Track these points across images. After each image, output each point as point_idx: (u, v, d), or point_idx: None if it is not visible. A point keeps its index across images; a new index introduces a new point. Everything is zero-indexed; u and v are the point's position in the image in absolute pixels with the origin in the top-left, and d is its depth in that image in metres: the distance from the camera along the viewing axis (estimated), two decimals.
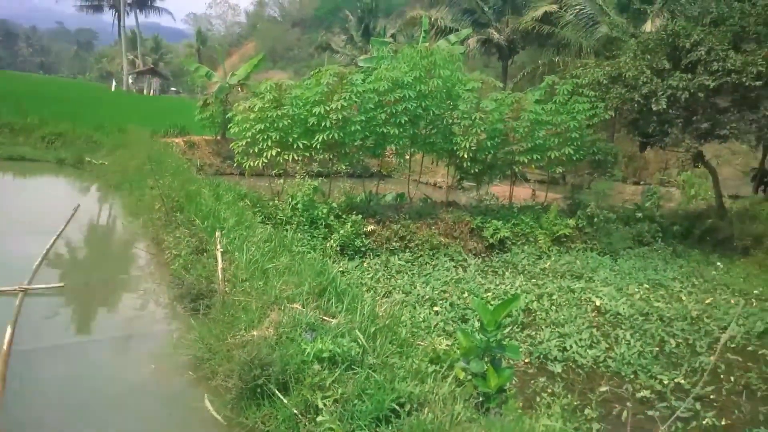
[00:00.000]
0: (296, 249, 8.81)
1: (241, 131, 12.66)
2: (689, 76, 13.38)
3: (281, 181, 13.57)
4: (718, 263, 13.52)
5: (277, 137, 12.36)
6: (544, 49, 31.52)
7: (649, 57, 14.28)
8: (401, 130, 13.04)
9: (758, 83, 12.76)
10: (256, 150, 12.54)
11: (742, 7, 13.57)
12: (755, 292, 11.43)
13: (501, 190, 17.78)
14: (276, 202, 12.45)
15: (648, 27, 19.65)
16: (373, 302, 6.59)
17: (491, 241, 13.15)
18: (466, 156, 13.56)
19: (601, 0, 26.17)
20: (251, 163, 12.66)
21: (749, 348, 8.67)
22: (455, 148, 13.76)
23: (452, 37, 26.15)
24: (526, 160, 14.53)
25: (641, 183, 27.59)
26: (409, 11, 41.34)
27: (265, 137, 12.32)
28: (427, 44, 22.38)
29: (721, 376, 7.67)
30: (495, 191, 17.71)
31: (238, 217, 9.66)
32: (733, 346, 8.68)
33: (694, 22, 14.57)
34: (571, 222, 14.12)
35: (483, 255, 12.92)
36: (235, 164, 13.97)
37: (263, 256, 7.56)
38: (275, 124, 12.27)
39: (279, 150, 12.45)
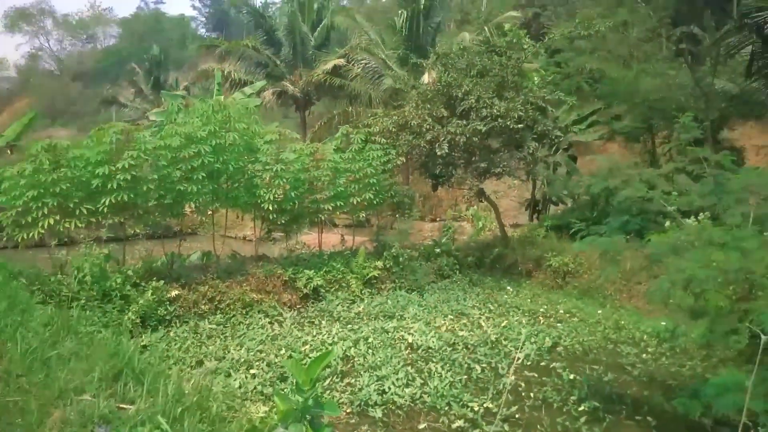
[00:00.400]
0: (84, 329, 7.80)
1: (10, 199, 11.08)
2: (464, 122, 14.96)
3: (65, 251, 12.08)
4: (508, 287, 15.03)
5: (55, 203, 11.04)
6: (338, 99, 33.07)
7: (429, 106, 15.69)
8: (200, 186, 12.51)
9: (520, 126, 14.71)
10: (30, 219, 11.04)
11: (501, 60, 15.65)
12: (541, 310, 12.88)
13: (311, 239, 17.92)
14: (59, 276, 11.00)
15: (426, 78, 21.65)
16: (180, 377, 6.04)
17: (305, 291, 13.07)
18: (271, 208, 13.44)
19: (383, 55, 28.35)
20: (25, 235, 11.09)
21: (542, 363, 9.64)
22: (259, 200, 13.57)
23: (247, 89, 26.16)
24: (330, 207, 14.86)
25: (438, 219, 29.92)
26: (202, 64, 40.52)
27: (40, 204, 10.93)
28: (222, 97, 22.02)
29: (522, 394, 8.38)
30: (305, 240, 17.79)
31: (9, 300, 8.28)
32: (528, 363, 9.58)
33: (464, 74, 16.37)
34: (379, 263, 14.66)
35: (298, 306, 12.77)
36: (5, 237, 12.12)
37: (43, 343, 6.53)
38: (52, 189, 10.95)
39: (59, 217, 11.11)
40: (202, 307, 11.70)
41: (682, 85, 19.47)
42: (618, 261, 7.50)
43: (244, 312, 11.85)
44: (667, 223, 6.91)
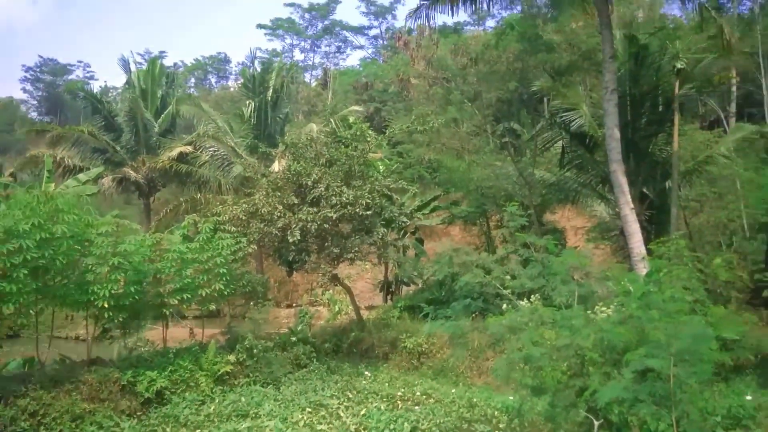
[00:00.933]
0: None
1: None
2: (315, 209, 15.20)
3: None
4: (366, 372, 14.94)
5: None
6: (186, 186, 31.99)
7: (279, 194, 15.77)
8: (21, 285, 11.14)
9: (368, 212, 15.27)
10: None
11: (347, 151, 16.33)
12: (398, 393, 12.90)
13: (155, 334, 16.55)
14: None
15: (276, 167, 21.89)
16: None
17: (147, 395, 11.90)
18: (107, 305, 12.29)
19: (233, 142, 28.28)
20: None
21: None
22: (93, 297, 12.36)
23: (82, 176, 24.39)
24: (176, 301, 13.98)
25: (294, 305, 29.41)
26: (32, 149, 37.27)
27: None
28: (52, 184, 20.24)
29: None
30: (148, 336, 16.38)
31: None
32: None
33: (313, 163, 16.80)
34: (232, 357, 13.89)
35: (139, 414, 11.54)
36: None
37: None
38: None
39: None
40: (22, 424, 10.13)
41: (508, 174, 21.66)
42: (465, 342, 7.86)
43: (73, 426, 10.45)
44: (504, 306, 7.47)
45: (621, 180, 14.33)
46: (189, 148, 29.48)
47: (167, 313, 15.16)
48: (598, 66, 16.35)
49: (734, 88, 28.11)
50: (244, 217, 15.92)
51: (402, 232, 23.41)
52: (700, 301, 10.32)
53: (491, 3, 16.68)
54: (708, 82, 17.72)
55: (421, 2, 15.42)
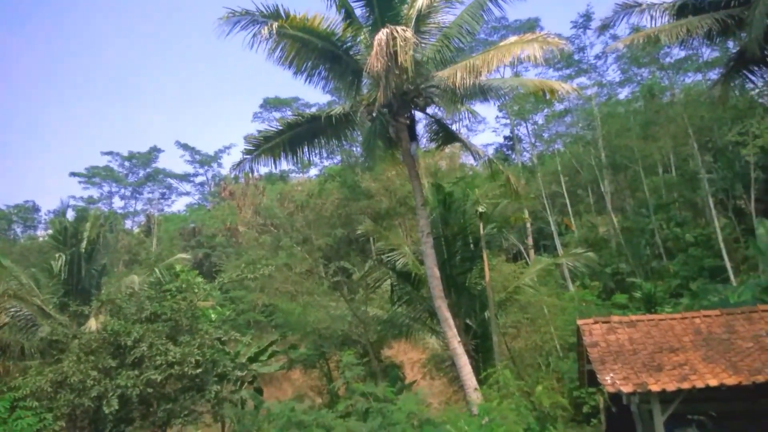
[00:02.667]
0: None
1: None
2: (137, 371, 13.87)
3: None
4: None
5: None
6: None
7: (93, 357, 14.22)
8: None
9: (199, 370, 14.29)
10: None
11: (172, 304, 15.48)
12: None
13: None
14: None
15: (92, 325, 19.84)
16: None
17: None
18: None
19: (39, 300, 25.22)
20: None
21: None
22: None
23: None
24: None
25: None
26: None
27: None
28: None
29: None
30: None
31: None
32: None
33: (134, 319, 15.58)
34: None
35: None
36: None
37: None
38: None
39: None
40: None
41: (343, 315, 22.00)
42: None
43: None
44: None
45: (446, 314, 15.24)
46: None
47: None
48: (414, 210, 17.92)
49: (529, 225, 32.44)
50: (50, 389, 13.98)
51: (239, 382, 22.08)
52: (532, 429, 10.95)
53: (311, 154, 17.77)
54: (506, 222, 20.23)
55: (244, 156, 15.97)
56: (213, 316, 23.52)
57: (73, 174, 60.50)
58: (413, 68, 13.90)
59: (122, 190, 63.39)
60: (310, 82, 15.89)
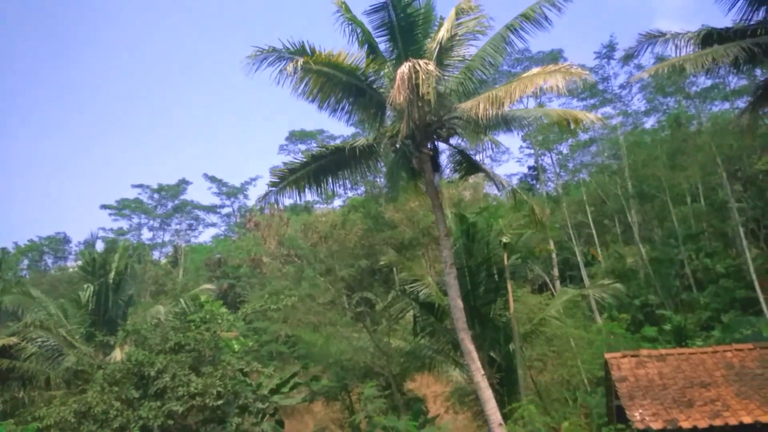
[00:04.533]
0: None
1: None
2: (159, 403, 13.88)
3: None
4: None
5: None
6: (7, 383, 27.71)
7: (117, 388, 14.29)
8: None
9: (220, 401, 14.23)
10: None
11: (195, 336, 15.53)
12: None
13: None
14: None
15: (117, 355, 20.01)
16: None
17: None
18: None
19: (65, 331, 25.59)
20: None
21: None
22: None
23: None
24: None
25: None
26: None
27: None
28: None
29: None
30: None
31: None
32: None
33: (157, 349, 15.65)
34: None
35: None
36: None
37: None
38: None
39: None
40: None
41: (365, 346, 21.81)
42: None
43: None
44: None
45: (469, 347, 14.99)
46: (13, 340, 26.06)
47: None
48: (437, 240, 17.85)
49: (554, 255, 32.01)
50: (73, 419, 14.04)
51: (260, 414, 21.94)
52: None
53: (335, 186, 17.91)
54: (531, 253, 20.01)
55: (269, 188, 16.16)
56: (236, 347, 23.52)
57: (103, 206, 61.84)
58: (436, 100, 14.02)
59: (151, 222, 64.50)
60: (334, 116, 16.11)
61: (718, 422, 9.03)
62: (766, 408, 9.18)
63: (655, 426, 9.15)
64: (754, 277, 24.52)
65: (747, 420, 8.96)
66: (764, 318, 21.20)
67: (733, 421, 8.99)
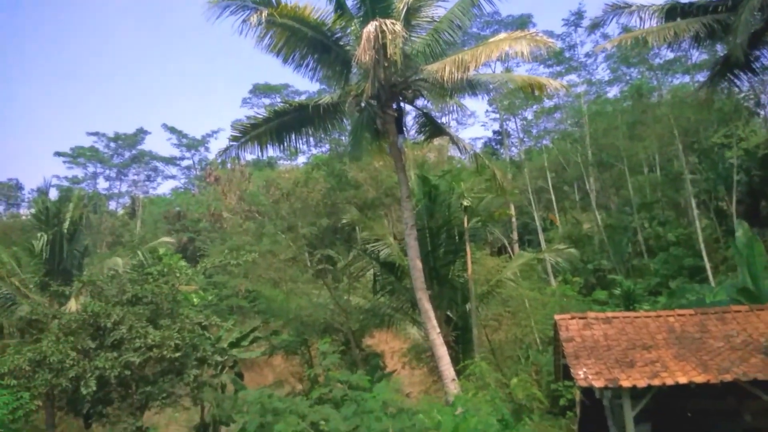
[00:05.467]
0: None
1: None
2: (115, 354, 13.88)
3: None
4: None
5: None
6: None
7: (73, 338, 14.20)
8: None
9: (178, 354, 14.32)
10: None
11: (153, 288, 15.44)
12: None
13: None
14: None
15: (72, 306, 19.77)
16: None
17: None
18: None
19: (17, 281, 25.04)
20: None
21: None
22: None
23: None
24: None
25: None
26: None
27: None
28: None
29: None
30: None
31: None
32: None
33: (114, 301, 15.54)
34: None
35: None
36: None
37: None
38: None
39: None
40: None
41: (325, 303, 22.08)
42: None
43: None
44: None
45: (426, 306, 15.37)
46: None
47: None
48: (400, 201, 18.01)
49: (514, 219, 32.70)
50: (28, 368, 13.93)
51: (220, 367, 22.15)
52: (506, 421, 11.13)
53: (299, 143, 17.74)
54: (491, 217, 20.39)
55: (230, 142, 15.91)
56: (195, 300, 23.51)
57: (57, 153, 59.73)
58: (402, 61, 13.90)
59: (107, 171, 62.73)
60: (299, 71, 15.82)
61: (656, 382, 9.55)
62: (700, 369, 9.75)
63: (597, 384, 9.64)
64: (702, 246, 25.60)
65: (683, 380, 9.50)
66: (709, 286, 22.24)
67: (669, 381, 9.52)
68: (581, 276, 27.75)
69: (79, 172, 61.27)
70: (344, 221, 22.49)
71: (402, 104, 16.20)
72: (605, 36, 32.25)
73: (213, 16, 14.00)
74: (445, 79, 13.43)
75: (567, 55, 37.82)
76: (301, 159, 47.25)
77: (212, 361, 16.44)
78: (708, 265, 25.09)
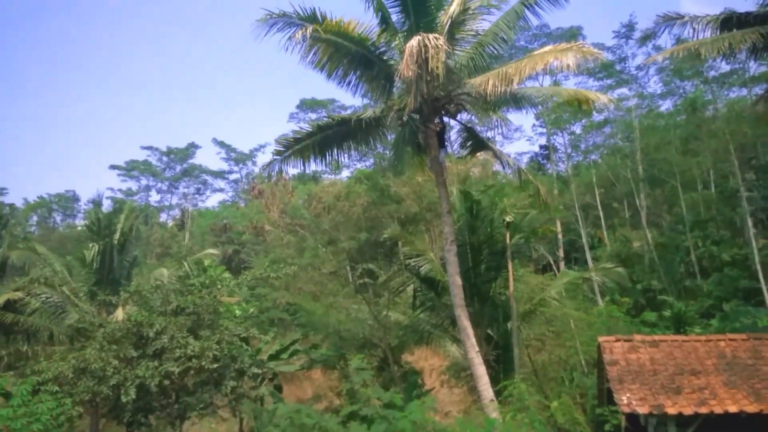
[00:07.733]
0: None
1: None
2: (156, 363, 14.08)
3: None
4: None
5: None
6: (11, 336, 28.25)
7: (116, 347, 14.50)
8: None
9: (216, 365, 14.43)
10: None
11: (195, 299, 15.66)
12: None
13: None
14: None
15: (119, 315, 20.30)
16: None
17: None
18: None
19: (68, 289, 25.89)
20: None
21: None
22: None
23: None
24: None
25: None
26: None
27: None
28: None
29: None
30: None
31: None
32: None
33: (158, 311, 15.83)
34: None
35: None
36: None
37: None
38: None
39: None
40: None
41: (364, 318, 21.94)
42: None
43: None
44: None
45: (465, 324, 15.05)
46: (18, 294, 26.41)
47: None
48: (441, 217, 17.80)
49: (560, 236, 31.88)
50: (72, 375, 14.29)
51: (259, 379, 22.29)
52: None
53: (341, 157, 17.80)
54: (534, 233, 19.90)
55: (274, 156, 16.09)
56: (237, 312, 23.72)
57: (112, 167, 62.04)
58: (445, 75, 13.79)
59: (159, 184, 64.71)
60: (341, 86, 15.92)
61: (703, 410, 9.03)
62: (752, 398, 9.16)
63: (641, 411, 9.18)
64: (758, 267, 24.31)
65: (732, 409, 8.96)
66: (765, 309, 21.07)
67: (718, 410, 8.99)
68: (630, 296, 26.74)
69: (132, 185, 63.48)
70: (385, 236, 22.39)
71: (445, 118, 16.06)
72: (657, 48, 31.22)
73: (261, 34, 14.25)
74: (488, 92, 13.23)
75: (618, 68, 36.79)
76: (345, 173, 47.62)
77: (251, 373, 16.49)
78: (764, 288, 23.79)
